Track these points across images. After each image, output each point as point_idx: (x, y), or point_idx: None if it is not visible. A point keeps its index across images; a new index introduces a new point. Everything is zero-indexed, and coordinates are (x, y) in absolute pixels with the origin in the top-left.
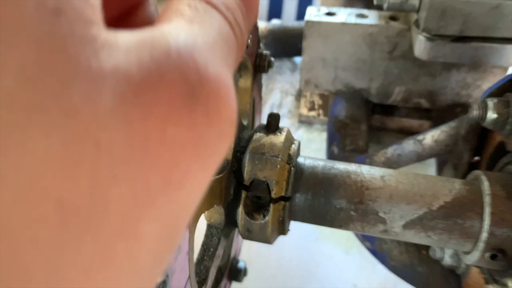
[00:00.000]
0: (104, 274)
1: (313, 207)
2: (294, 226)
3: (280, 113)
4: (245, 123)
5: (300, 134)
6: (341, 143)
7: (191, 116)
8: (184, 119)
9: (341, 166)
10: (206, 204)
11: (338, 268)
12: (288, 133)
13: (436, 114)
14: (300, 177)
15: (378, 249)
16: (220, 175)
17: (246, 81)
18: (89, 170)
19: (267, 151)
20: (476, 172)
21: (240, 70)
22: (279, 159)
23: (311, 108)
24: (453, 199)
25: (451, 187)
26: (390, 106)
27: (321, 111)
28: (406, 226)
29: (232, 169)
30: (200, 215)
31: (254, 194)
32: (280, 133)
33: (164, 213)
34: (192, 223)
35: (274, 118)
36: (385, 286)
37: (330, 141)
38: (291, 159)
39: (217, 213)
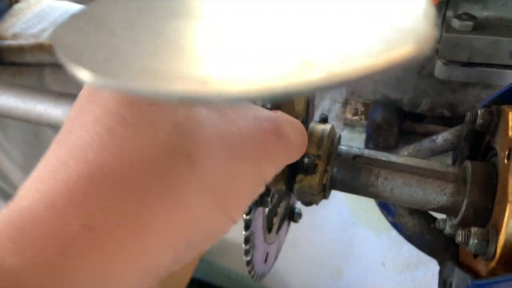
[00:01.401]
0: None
1: (343, 182)
2: (335, 213)
3: (329, 117)
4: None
5: (344, 134)
6: (376, 141)
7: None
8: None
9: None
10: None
11: (369, 249)
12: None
13: (455, 122)
14: (338, 159)
15: (397, 222)
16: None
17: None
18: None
19: (306, 190)
20: (466, 162)
21: None
22: (316, 196)
23: (355, 114)
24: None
25: (440, 199)
26: (419, 114)
27: (362, 116)
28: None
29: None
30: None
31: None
32: (316, 173)
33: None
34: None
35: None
36: (408, 266)
37: (367, 140)
38: (325, 189)
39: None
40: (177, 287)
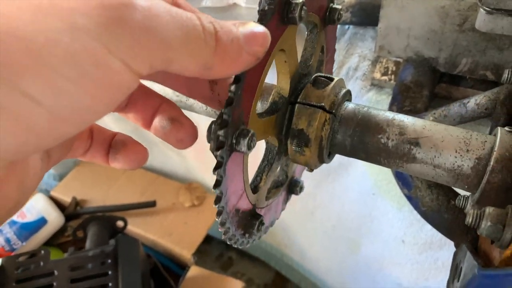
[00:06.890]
0: None
1: (350, 143)
2: (356, 183)
3: (355, 76)
4: (305, 72)
5: (370, 96)
6: (401, 104)
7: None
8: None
9: (380, 114)
10: (260, 135)
11: (389, 223)
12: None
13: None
14: (342, 117)
15: (413, 195)
16: (273, 116)
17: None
18: None
19: (314, 101)
20: (497, 129)
21: (308, 27)
22: (320, 111)
23: (384, 73)
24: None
25: (461, 163)
26: (457, 76)
27: (392, 77)
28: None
29: (286, 112)
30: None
31: (296, 140)
32: (324, 88)
33: None
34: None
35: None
36: (431, 245)
37: (392, 102)
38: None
39: (273, 141)
40: (191, 244)
